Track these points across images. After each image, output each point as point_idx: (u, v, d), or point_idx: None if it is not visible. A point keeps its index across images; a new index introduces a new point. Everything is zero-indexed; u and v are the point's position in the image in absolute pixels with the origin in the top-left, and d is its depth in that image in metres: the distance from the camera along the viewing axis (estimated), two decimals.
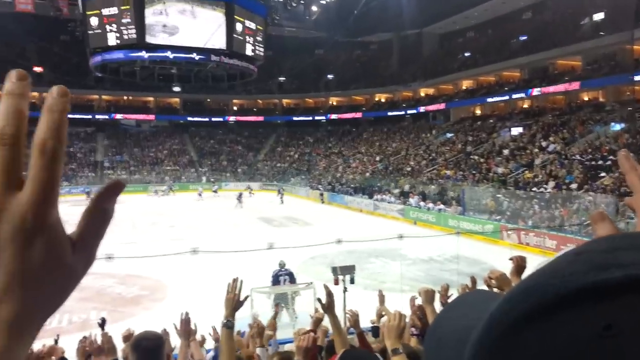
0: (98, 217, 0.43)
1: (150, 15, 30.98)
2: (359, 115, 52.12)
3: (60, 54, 47.07)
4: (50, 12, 37.89)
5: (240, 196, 32.46)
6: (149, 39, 30.96)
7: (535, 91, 34.26)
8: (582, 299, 0.28)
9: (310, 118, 54.77)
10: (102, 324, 5.28)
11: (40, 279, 0.40)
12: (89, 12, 30.68)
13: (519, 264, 3.08)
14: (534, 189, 22.85)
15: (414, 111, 47.20)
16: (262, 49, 36.04)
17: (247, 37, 34.27)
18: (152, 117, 52.91)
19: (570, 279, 0.29)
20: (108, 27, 30.46)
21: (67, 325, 10.04)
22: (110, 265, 11.75)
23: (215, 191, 39.31)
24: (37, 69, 47.77)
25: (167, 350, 3.46)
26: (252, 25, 34.73)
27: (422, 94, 47.93)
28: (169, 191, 40.46)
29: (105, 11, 30.24)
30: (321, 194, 36.35)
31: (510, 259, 3.18)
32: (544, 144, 27.85)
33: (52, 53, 47.53)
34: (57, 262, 0.41)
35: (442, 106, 43.70)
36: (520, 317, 0.30)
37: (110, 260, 11.27)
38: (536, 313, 0.30)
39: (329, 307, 3.32)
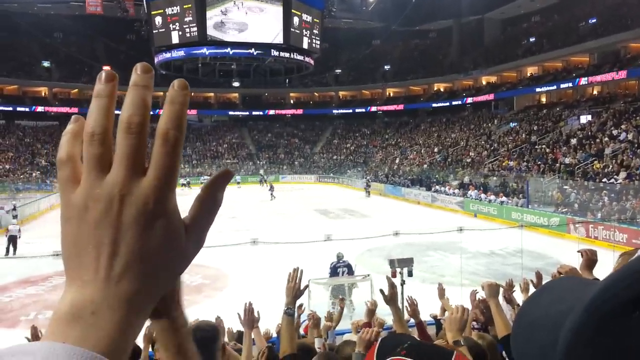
0: (208, 204, 0.46)
1: (220, 13, 31.85)
2: (416, 105, 51.19)
3: (127, 53, 49.23)
4: (118, 12, 39.73)
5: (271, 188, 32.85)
6: (221, 36, 31.87)
7: (583, 80, 33.66)
8: None
9: (367, 110, 54.35)
10: None
11: (158, 259, 0.43)
12: (153, 12, 31.88)
13: (590, 258, 2.92)
14: (604, 179, 21.68)
15: (457, 102, 46.52)
16: (318, 42, 36.11)
17: (303, 30, 34.44)
18: (194, 111, 53.94)
19: None
20: (171, 26, 31.54)
21: None
22: None
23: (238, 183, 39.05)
24: (106, 68, 50.11)
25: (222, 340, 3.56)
26: (309, 19, 34.84)
27: (484, 82, 46.46)
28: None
29: (169, 10, 31.32)
30: (367, 186, 34.84)
31: (579, 252, 3.01)
32: (615, 132, 26.30)
33: (119, 52, 49.82)
34: (173, 245, 0.44)
35: (490, 97, 42.86)
36: (626, 303, 0.29)
37: None
38: None
39: (391, 298, 3.33)
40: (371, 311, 4.37)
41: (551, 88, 37.67)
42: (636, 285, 0.29)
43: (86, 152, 0.43)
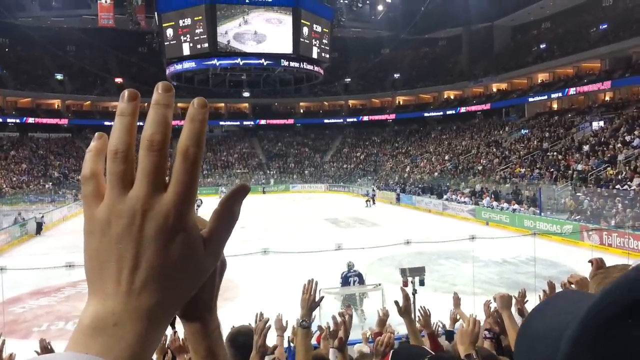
0: (226, 218, 0.48)
1: (241, 24, 32.24)
2: (426, 113, 51.31)
3: (139, 65, 49.86)
4: (130, 25, 40.27)
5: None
6: (241, 47, 32.24)
7: (572, 91, 35.86)
8: None
9: (377, 118, 54.44)
10: (172, 322, 5.51)
11: (177, 273, 0.44)
12: (164, 24, 32.27)
13: (599, 267, 2.89)
14: (617, 186, 21.41)
15: (451, 111, 48.25)
16: (327, 51, 36.30)
17: (313, 40, 34.64)
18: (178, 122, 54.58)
19: None
20: (182, 38, 31.91)
21: None
22: None
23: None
24: (118, 80, 50.97)
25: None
26: (318, 29, 35.05)
27: (494, 90, 46.35)
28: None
29: (180, 22, 31.71)
30: (367, 200, 33.18)
31: (590, 262, 2.98)
32: (628, 138, 26.01)
33: (131, 64, 50.45)
34: (192, 258, 0.45)
35: (487, 106, 44.26)
36: (622, 311, 0.29)
37: None
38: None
39: (405, 310, 3.30)
40: (383, 320, 4.33)
41: (542, 98, 39.19)
42: (630, 293, 0.29)
43: (109, 169, 0.44)
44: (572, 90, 35.56)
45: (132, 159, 0.44)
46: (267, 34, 33.06)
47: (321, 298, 2.84)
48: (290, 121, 55.74)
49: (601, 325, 0.30)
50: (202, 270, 0.47)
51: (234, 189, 0.48)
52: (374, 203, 33.22)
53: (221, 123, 55.07)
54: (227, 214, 0.47)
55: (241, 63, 33.45)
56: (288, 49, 33.26)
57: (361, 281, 10.58)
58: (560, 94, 37.26)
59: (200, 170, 0.41)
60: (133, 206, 0.43)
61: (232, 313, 10.28)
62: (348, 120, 54.99)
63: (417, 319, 4.22)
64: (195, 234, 0.45)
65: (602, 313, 0.30)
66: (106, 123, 50.33)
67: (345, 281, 10.52)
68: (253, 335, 2.59)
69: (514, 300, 3.90)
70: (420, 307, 4.05)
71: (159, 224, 0.43)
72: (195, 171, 0.44)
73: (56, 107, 49.95)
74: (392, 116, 53.30)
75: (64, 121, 47.98)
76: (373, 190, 35.81)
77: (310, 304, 2.76)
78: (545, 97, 38.80)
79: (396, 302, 3.37)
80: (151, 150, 0.43)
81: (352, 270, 10.68)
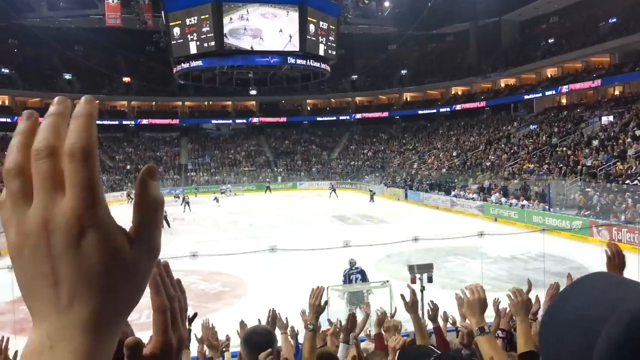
0: (146, 207, 0.44)
1: (235, 19, 32.20)
2: (434, 109, 51.19)
3: (146, 64, 50.05)
4: (136, 25, 40.32)
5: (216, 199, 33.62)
6: (236, 43, 32.22)
7: (566, 88, 36.51)
8: None
9: (384, 115, 54.34)
10: (192, 318, 5.52)
11: (103, 277, 0.41)
12: (171, 23, 32.31)
13: (615, 254, 2.30)
14: (627, 181, 21.23)
15: (445, 109, 49.56)
16: (334, 48, 36.20)
17: (319, 37, 34.54)
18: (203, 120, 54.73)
19: None
20: (189, 37, 31.93)
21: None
22: (195, 263, 12.37)
23: (222, 192, 39.53)
24: (126, 79, 51.21)
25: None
26: (325, 25, 34.92)
27: (502, 85, 46.07)
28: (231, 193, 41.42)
29: (187, 21, 31.73)
30: (372, 194, 35.17)
31: (606, 251, 2.34)
32: (638, 132, 25.76)
33: (138, 64, 50.66)
34: (115, 259, 0.42)
35: (482, 104, 44.80)
36: None
37: (195, 258, 11.85)
38: None
39: (412, 305, 3.32)
40: (380, 320, 4.31)
41: (537, 95, 39.53)
42: None
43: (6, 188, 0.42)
44: (564, 89, 36.26)
45: (29, 173, 0.42)
46: (273, 31, 33.03)
47: (325, 302, 2.95)
48: (298, 118, 55.81)
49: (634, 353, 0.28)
50: (134, 270, 0.43)
51: (141, 174, 0.45)
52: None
53: (228, 121, 55.34)
54: (146, 203, 0.44)
55: (247, 61, 33.45)
56: (295, 46, 33.20)
57: (364, 278, 10.44)
58: (553, 92, 37.89)
59: (97, 165, 0.41)
60: (34, 221, 0.41)
61: (241, 309, 10.34)
62: (355, 116, 54.98)
63: (426, 312, 4.20)
64: (111, 233, 0.42)
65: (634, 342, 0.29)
66: (114, 122, 50.80)
67: (347, 279, 10.38)
68: (267, 335, 2.65)
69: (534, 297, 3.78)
70: (430, 301, 4.04)
71: (63, 233, 0.40)
72: (89, 168, 0.40)
73: None
74: (386, 114, 54.05)
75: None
76: (371, 191, 35.89)
77: (317, 308, 2.92)
78: (540, 94, 39.10)
79: (402, 296, 3.38)
80: (37, 159, 0.41)
81: (354, 268, 10.55)
